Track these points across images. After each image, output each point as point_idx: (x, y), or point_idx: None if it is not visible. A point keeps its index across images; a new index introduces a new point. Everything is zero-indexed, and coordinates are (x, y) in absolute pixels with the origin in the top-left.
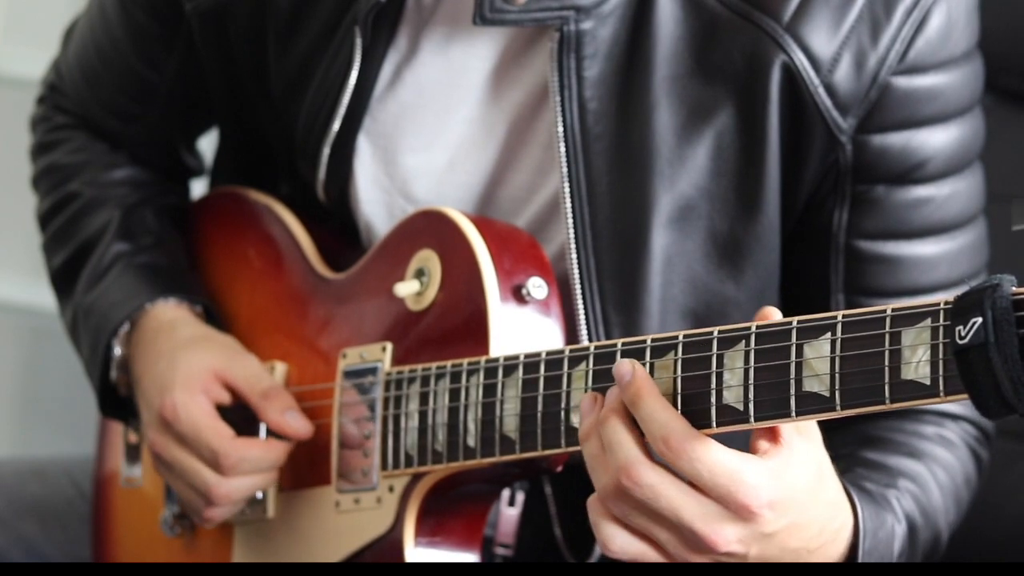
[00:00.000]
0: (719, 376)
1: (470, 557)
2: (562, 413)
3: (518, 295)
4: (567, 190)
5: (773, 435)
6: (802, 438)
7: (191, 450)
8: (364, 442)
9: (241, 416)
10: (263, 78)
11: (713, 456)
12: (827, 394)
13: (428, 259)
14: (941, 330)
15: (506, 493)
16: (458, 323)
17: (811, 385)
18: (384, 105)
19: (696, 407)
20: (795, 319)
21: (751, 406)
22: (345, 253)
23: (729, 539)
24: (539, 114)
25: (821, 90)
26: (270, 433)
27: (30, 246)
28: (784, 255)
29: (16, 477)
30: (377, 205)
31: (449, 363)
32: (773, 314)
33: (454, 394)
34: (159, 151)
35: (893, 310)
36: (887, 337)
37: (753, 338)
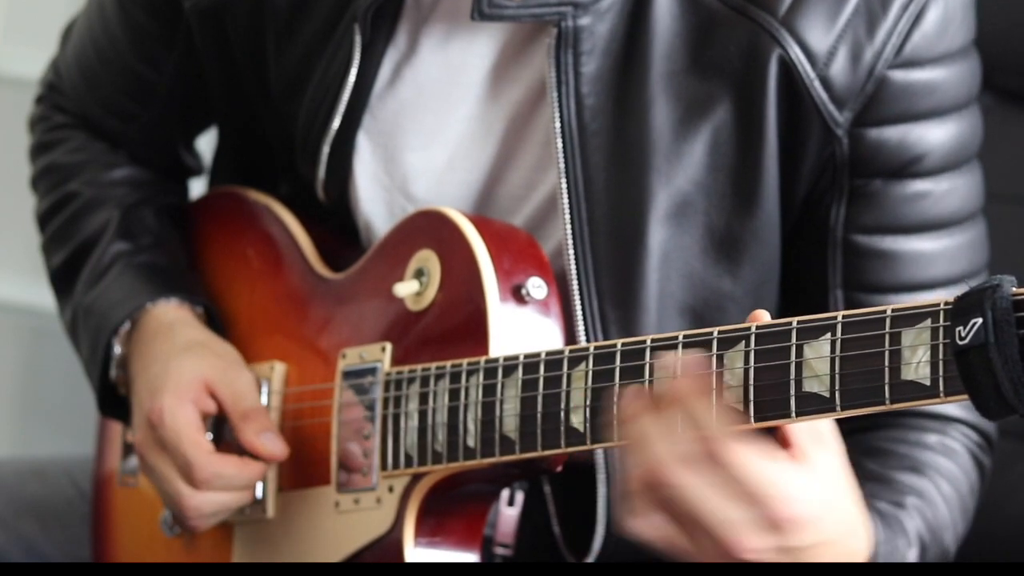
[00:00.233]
0: (719, 376)
1: (470, 557)
2: (562, 413)
3: (518, 295)
4: (564, 186)
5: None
6: (823, 448)
7: (169, 457)
8: (364, 442)
9: (229, 429)
10: (262, 77)
11: (754, 464)
12: (827, 394)
13: (427, 259)
14: (941, 331)
15: (505, 493)
16: (458, 323)
17: (811, 385)
18: (383, 103)
19: None
20: (795, 319)
21: (751, 407)
22: (344, 253)
23: (750, 547)
24: (537, 111)
25: (817, 84)
26: None
27: (30, 246)
28: (782, 251)
29: (16, 477)
30: (377, 204)
31: (449, 363)
32: (763, 318)
33: (454, 394)
34: (158, 151)
35: (893, 310)
36: (887, 337)
37: (753, 338)
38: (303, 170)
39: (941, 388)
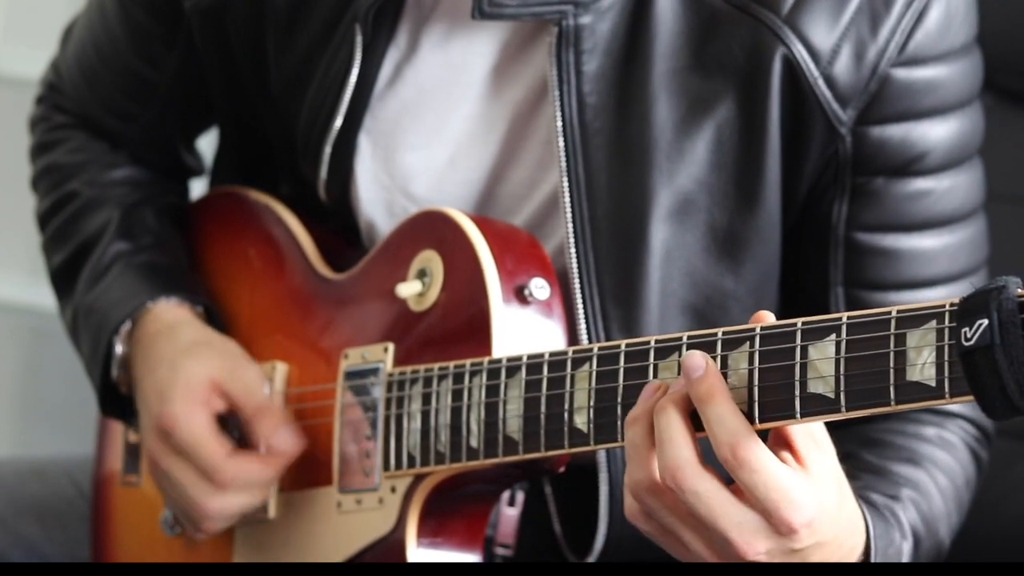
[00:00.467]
0: (723, 377)
1: (472, 558)
2: (565, 414)
3: (520, 296)
4: (566, 185)
5: (789, 446)
6: (820, 451)
7: (187, 463)
8: (366, 443)
9: (236, 426)
10: (263, 77)
11: (771, 469)
12: (832, 395)
13: (430, 260)
14: (947, 331)
15: (506, 493)
16: (460, 324)
17: (816, 387)
18: (384, 103)
19: None
20: (800, 320)
21: (755, 407)
22: (346, 253)
23: (759, 550)
24: (539, 110)
25: (821, 82)
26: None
27: (30, 246)
28: (784, 249)
29: (16, 477)
30: (378, 204)
31: (452, 364)
32: (766, 319)
33: (457, 395)
34: (159, 150)
35: (898, 311)
36: (892, 338)
37: (758, 339)
38: (304, 170)
39: (947, 389)
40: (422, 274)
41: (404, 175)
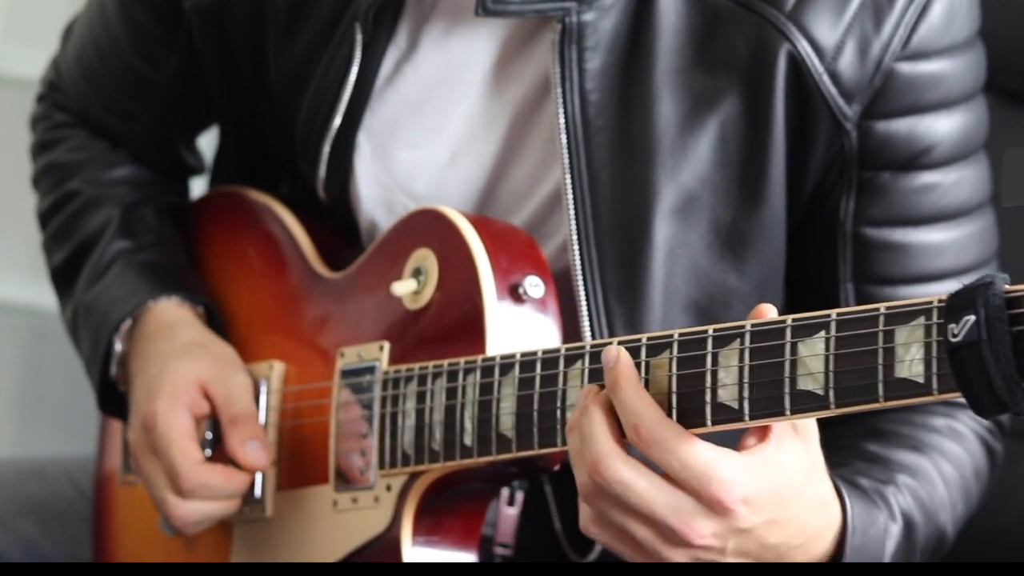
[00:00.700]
0: (714, 374)
1: (468, 556)
2: (558, 412)
3: (515, 294)
4: (569, 182)
5: (763, 432)
6: (796, 436)
7: (159, 463)
8: (362, 441)
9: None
10: (263, 76)
11: (686, 448)
12: (821, 392)
13: (425, 258)
14: (934, 328)
15: (505, 493)
16: (455, 322)
17: (805, 383)
18: (384, 101)
19: (691, 405)
20: (789, 317)
21: (746, 404)
22: (345, 252)
23: (703, 533)
24: (541, 107)
25: (825, 78)
26: None
27: (30, 246)
28: (792, 246)
29: (16, 477)
30: (378, 202)
31: (446, 362)
32: (768, 311)
33: (451, 393)
34: (159, 149)
35: (887, 308)
36: (880, 335)
37: (748, 336)
38: (304, 169)
39: (934, 385)
40: (417, 272)
41: (405, 173)
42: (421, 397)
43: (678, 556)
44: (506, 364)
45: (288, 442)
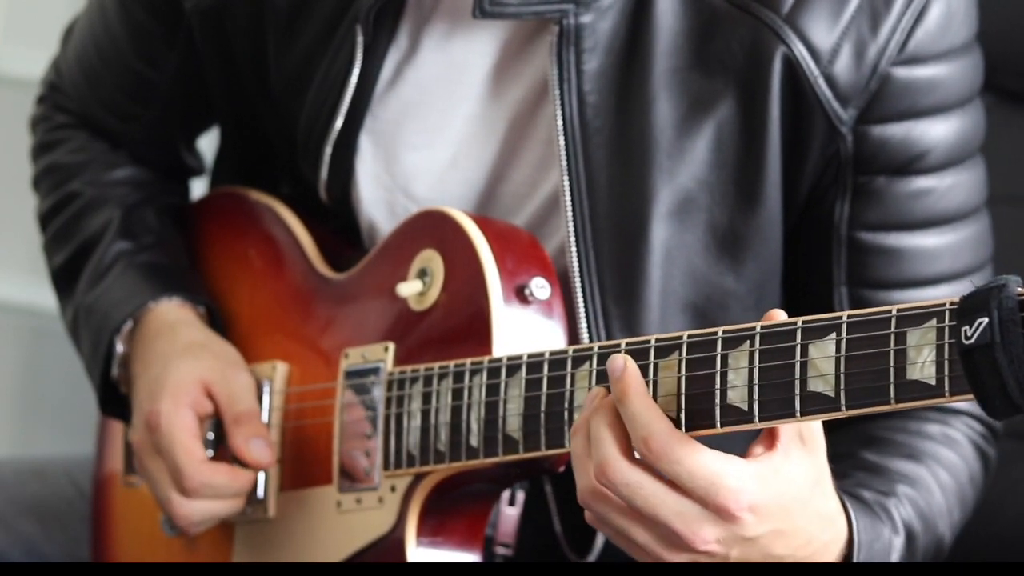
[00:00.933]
0: (723, 376)
1: (472, 557)
2: (566, 413)
3: (521, 295)
4: (566, 184)
5: (770, 441)
6: (803, 447)
7: (163, 462)
8: (366, 442)
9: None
10: (263, 77)
11: (694, 458)
12: (832, 394)
13: (431, 259)
14: (947, 330)
15: (506, 493)
16: (461, 323)
17: (816, 385)
18: (385, 103)
19: (700, 407)
20: (800, 319)
21: (755, 406)
22: (346, 253)
23: (707, 539)
24: (540, 109)
25: (821, 81)
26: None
27: (30, 246)
28: (787, 249)
29: (16, 477)
30: (379, 204)
31: (452, 363)
32: (779, 315)
33: (457, 393)
34: (159, 150)
35: (898, 310)
36: (892, 337)
37: (758, 338)
38: (305, 171)
39: (947, 388)
40: (423, 273)
41: (405, 175)
42: (427, 398)
43: (679, 559)
44: (513, 365)
45: (291, 443)
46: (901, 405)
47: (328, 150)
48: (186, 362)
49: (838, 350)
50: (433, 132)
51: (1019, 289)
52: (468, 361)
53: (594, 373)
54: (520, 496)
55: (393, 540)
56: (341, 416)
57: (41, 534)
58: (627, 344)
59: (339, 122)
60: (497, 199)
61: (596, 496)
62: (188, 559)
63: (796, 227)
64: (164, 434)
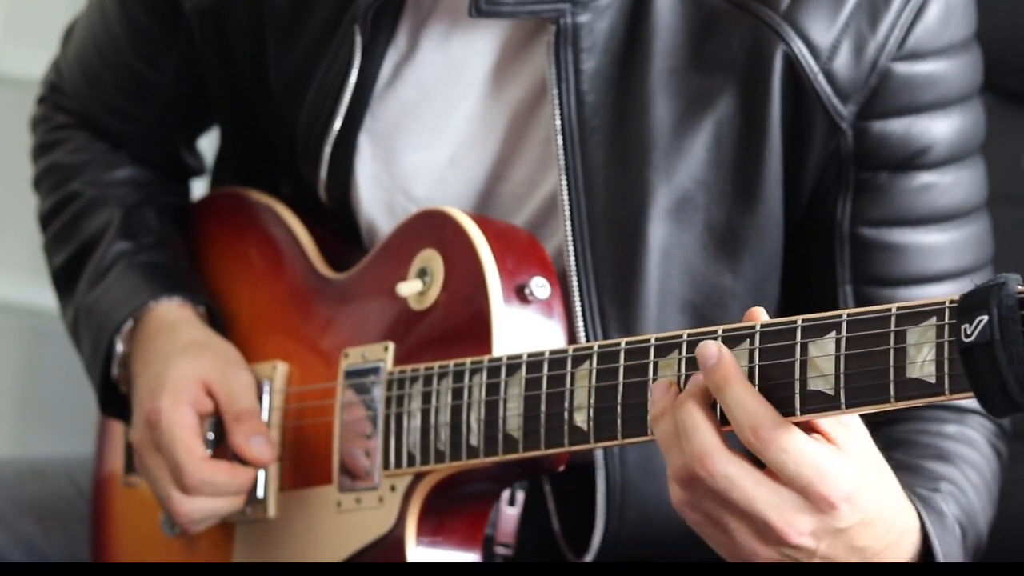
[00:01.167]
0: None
1: (471, 557)
2: (566, 412)
3: (521, 295)
4: (564, 183)
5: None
6: (853, 433)
7: (163, 460)
8: (366, 442)
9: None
10: (263, 78)
11: (799, 446)
12: (832, 392)
13: (431, 259)
14: (946, 328)
15: (506, 493)
16: (461, 323)
17: (816, 384)
18: (384, 103)
19: None
20: (800, 317)
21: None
22: (346, 253)
23: (802, 530)
24: (538, 109)
25: (821, 77)
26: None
27: (30, 246)
28: (790, 248)
29: (16, 477)
30: (378, 204)
31: (452, 362)
32: (760, 314)
33: (457, 393)
34: (160, 150)
35: (898, 308)
36: (892, 335)
37: (758, 336)
38: (305, 171)
39: (946, 386)
40: (423, 273)
41: (404, 175)
42: (427, 397)
43: (766, 554)
44: (513, 365)
45: (291, 442)
46: (901, 404)
47: (327, 150)
48: (186, 360)
49: (838, 348)
50: (432, 132)
51: (1019, 287)
52: (468, 360)
53: (594, 372)
54: (520, 496)
55: (393, 540)
56: (341, 416)
57: (41, 534)
58: (627, 343)
59: (338, 122)
60: (496, 199)
61: (691, 481)
62: (188, 559)
63: (799, 225)
64: (164, 431)
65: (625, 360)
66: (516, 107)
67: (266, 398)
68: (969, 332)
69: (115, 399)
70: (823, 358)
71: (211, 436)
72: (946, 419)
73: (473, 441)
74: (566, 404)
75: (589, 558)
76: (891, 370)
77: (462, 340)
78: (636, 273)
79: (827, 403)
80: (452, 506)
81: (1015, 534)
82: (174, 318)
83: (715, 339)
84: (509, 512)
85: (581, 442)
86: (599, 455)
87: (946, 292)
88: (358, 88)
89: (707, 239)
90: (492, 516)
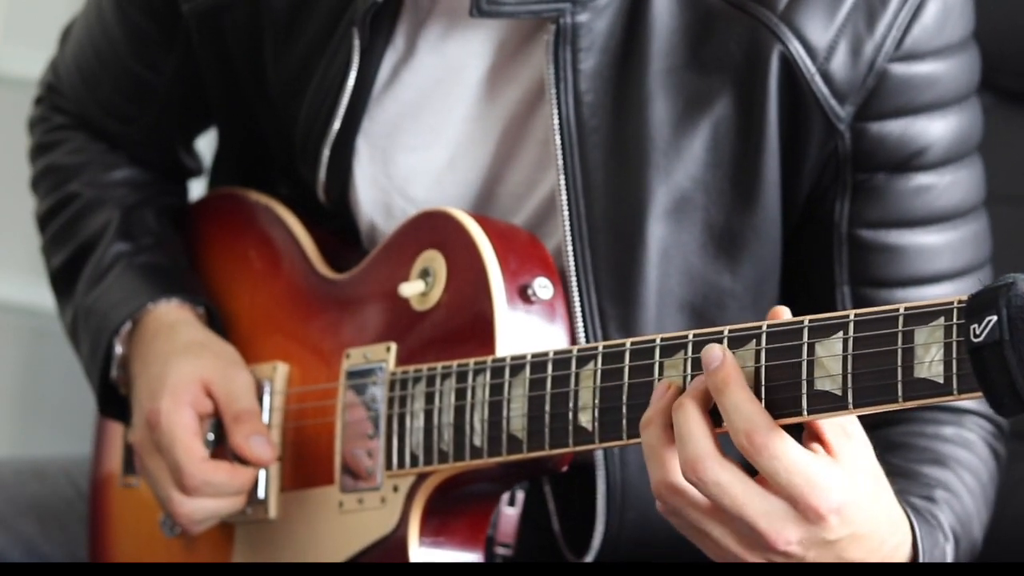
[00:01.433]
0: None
1: (474, 557)
2: (570, 413)
3: (524, 295)
4: (563, 184)
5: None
6: (853, 443)
7: (163, 461)
8: (368, 442)
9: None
10: (261, 80)
11: (792, 455)
12: (839, 393)
13: (433, 259)
14: (955, 328)
15: (506, 493)
16: (463, 323)
17: (823, 384)
18: (382, 105)
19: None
20: (807, 318)
21: (762, 405)
22: (346, 254)
23: (790, 539)
24: (536, 110)
25: (818, 78)
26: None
27: (30, 246)
28: (788, 249)
29: (16, 477)
30: (377, 205)
31: (455, 363)
32: (783, 313)
33: (460, 393)
34: (158, 152)
35: (906, 308)
36: (900, 336)
37: (764, 337)
38: (303, 172)
39: (955, 386)
40: (425, 274)
41: (403, 177)
42: (430, 398)
43: (754, 559)
44: (516, 365)
45: (292, 443)
46: (909, 404)
47: (326, 152)
48: (186, 361)
49: (845, 349)
50: (430, 133)
51: None
52: (471, 361)
53: (599, 373)
54: (520, 496)
55: (396, 540)
56: (343, 416)
57: (41, 534)
58: (632, 343)
59: (336, 124)
60: (495, 200)
61: (674, 490)
62: (187, 559)
63: (797, 227)
64: (164, 432)
65: (630, 360)
66: (514, 108)
67: (266, 399)
68: (978, 332)
69: (114, 401)
70: (830, 358)
71: (211, 437)
72: (943, 421)
73: (477, 441)
74: (570, 404)
75: (589, 558)
76: (899, 370)
77: (464, 341)
78: (635, 273)
79: (835, 403)
80: (455, 506)
81: (1015, 534)
82: (173, 319)
83: (721, 339)
84: (509, 512)
85: (585, 442)
86: (599, 455)
87: (944, 293)
88: (356, 90)
89: (706, 239)
90: (492, 516)
